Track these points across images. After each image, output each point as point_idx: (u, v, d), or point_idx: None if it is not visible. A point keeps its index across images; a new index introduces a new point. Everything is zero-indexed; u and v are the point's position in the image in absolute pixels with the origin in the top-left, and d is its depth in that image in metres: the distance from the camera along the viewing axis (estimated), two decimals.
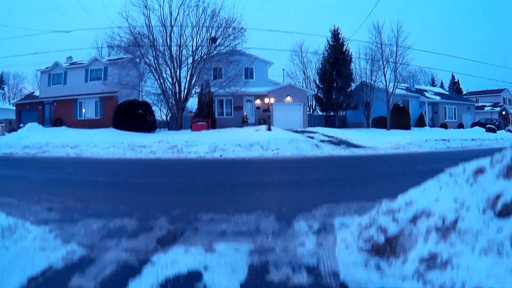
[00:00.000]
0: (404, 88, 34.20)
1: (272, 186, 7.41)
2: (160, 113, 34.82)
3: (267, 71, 28.54)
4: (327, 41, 36.32)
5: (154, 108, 26.27)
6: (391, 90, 29.53)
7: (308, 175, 9.42)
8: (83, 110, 27.27)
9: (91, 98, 26.70)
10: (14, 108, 32.03)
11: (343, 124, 39.31)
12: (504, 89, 51.74)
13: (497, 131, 29.80)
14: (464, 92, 60.31)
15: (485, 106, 47.27)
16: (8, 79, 60.31)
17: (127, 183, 8.10)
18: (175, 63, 22.67)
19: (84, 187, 7.29)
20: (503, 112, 45.37)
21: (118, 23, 22.67)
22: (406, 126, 29.80)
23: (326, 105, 36.43)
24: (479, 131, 29.65)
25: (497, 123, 34.57)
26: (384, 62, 29.90)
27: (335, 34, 36.08)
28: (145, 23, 22.83)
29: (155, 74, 23.29)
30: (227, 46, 24.40)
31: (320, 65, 38.18)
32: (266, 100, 21.13)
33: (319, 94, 38.77)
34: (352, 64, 36.51)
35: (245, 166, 11.29)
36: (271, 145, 13.61)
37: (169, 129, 27.79)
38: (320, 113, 40.11)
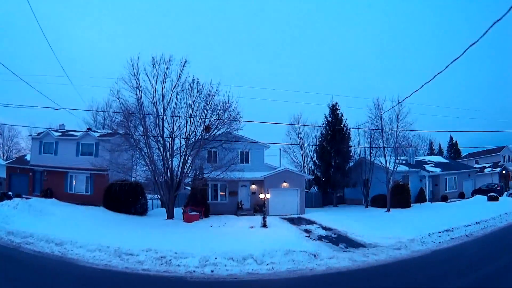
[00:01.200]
0: (404, 162, 34.11)
1: None
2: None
3: (263, 155, 28.59)
4: (325, 117, 37.28)
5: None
6: (391, 169, 29.15)
7: None
8: (74, 182, 26.93)
9: (82, 173, 26.52)
10: (6, 166, 31.40)
11: (341, 200, 38.66)
12: (504, 147, 51.22)
13: (500, 198, 29.14)
14: (464, 154, 60.53)
15: (485, 167, 47.03)
16: (3, 130, 60.29)
17: None
18: (167, 151, 22.37)
19: None
20: (504, 172, 45.13)
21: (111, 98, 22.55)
22: (406, 204, 29.15)
23: (324, 184, 36.10)
24: (481, 201, 29.02)
25: (498, 188, 34.20)
26: (385, 143, 29.76)
27: (333, 110, 37.11)
28: (137, 104, 22.40)
29: (146, 160, 22.63)
30: (222, 132, 24.39)
31: (318, 142, 38.74)
32: (262, 196, 20.39)
33: (316, 172, 38.71)
34: (351, 140, 37.44)
35: None
36: (265, 258, 12.66)
37: (162, 206, 27.00)
38: (317, 189, 39.52)
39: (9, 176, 28.68)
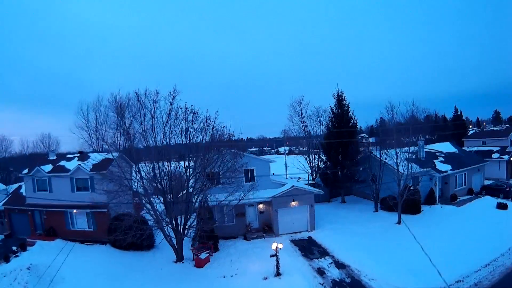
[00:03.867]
0: (414, 157, 32.94)
1: None
2: None
3: (269, 172, 27.28)
4: (331, 108, 35.27)
5: None
6: (402, 172, 28.02)
7: None
8: (75, 220, 26.01)
9: (81, 211, 25.43)
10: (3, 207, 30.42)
11: (349, 191, 38.04)
12: None
13: (509, 205, 28.99)
14: (471, 132, 59.05)
15: (492, 151, 45.87)
16: None
17: None
18: (169, 206, 21.24)
19: None
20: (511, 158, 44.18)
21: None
22: (416, 210, 29.02)
23: (332, 182, 35.24)
24: (489, 207, 29.22)
25: (507, 189, 33.40)
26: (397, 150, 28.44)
27: (339, 100, 34.93)
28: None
29: (151, 212, 21.30)
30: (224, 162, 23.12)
31: (324, 136, 36.98)
32: (274, 247, 19.24)
33: (322, 167, 37.68)
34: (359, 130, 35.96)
35: None
36: None
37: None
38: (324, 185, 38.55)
39: (9, 216, 27.40)
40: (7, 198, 29.11)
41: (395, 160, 28.05)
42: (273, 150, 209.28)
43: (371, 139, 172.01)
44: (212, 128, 21.92)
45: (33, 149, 57.93)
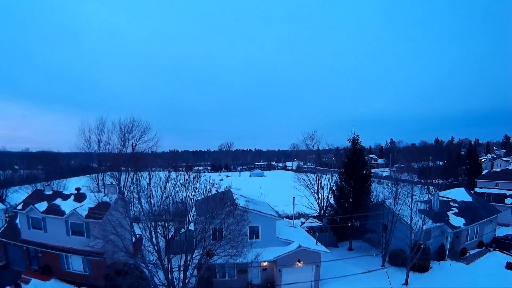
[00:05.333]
0: (428, 207, 31.16)
1: None
2: None
3: (275, 228, 25.49)
4: (345, 152, 34.04)
5: None
6: (415, 229, 26.57)
7: None
8: (70, 262, 24.75)
9: (76, 256, 24.11)
10: None
11: (356, 235, 36.18)
12: None
13: None
14: (484, 172, 56.98)
15: (505, 195, 44.33)
16: None
17: None
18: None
19: None
20: None
21: None
22: (425, 268, 27.81)
23: (341, 233, 33.43)
24: (499, 265, 28.29)
25: None
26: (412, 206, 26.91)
27: (354, 144, 33.58)
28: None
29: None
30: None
31: (337, 181, 35.14)
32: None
33: (331, 211, 35.89)
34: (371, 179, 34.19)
35: None
36: None
37: None
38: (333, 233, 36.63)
39: (5, 247, 26.51)
40: (2, 227, 28.26)
41: (408, 212, 26.88)
42: (281, 165, 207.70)
43: (380, 161, 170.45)
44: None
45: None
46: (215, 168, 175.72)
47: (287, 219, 34.67)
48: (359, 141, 33.51)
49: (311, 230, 36.48)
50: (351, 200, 32.19)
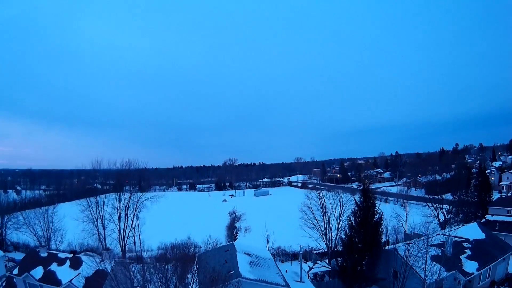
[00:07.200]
0: (440, 252, 29.83)
1: None
2: None
3: None
4: (355, 202, 32.79)
5: None
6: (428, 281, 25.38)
7: None
8: None
9: None
10: None
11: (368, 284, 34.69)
12: None
13: None
14: (495, 198, 55.33)
15: None
16: None
17: None
18: None
19: None
20: None
21: None
22: None
23: (349, 279, 31.95)
24: None
25: None
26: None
27: (365, 192, 32.58)
28: None
29: None
30: None
31: (347, 230, 33.63)
32: None
33: (339, 260, 34.35)
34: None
35: None
36: None
37: None
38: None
39: None
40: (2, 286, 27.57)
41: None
42: (285, 181, 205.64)
43: (386, 174, 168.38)
44: None
45: None
46: (219, 187, 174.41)
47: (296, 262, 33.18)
48: (370, 190, 32.45)
49: (318, 277, 35.01)
50: (360, 248, 30.78)
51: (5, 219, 51.00)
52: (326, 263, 37.39)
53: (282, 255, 45.33)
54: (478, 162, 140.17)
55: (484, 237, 36.55)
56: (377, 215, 31.72)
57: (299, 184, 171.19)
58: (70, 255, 26.39)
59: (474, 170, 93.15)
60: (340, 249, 36.57)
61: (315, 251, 44.54)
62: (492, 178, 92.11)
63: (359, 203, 32.17)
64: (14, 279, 25.99)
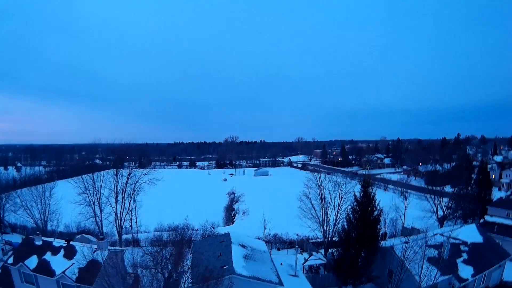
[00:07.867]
0: (437, 254, 29.67)
1: None
2: None
3: None
4: (355, 196, 32.15)
5: None
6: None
7: None
8: None
9: None
10: None
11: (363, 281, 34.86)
12: None
13: None
14: (496, 199, 54.80)
15: None
16: None
17: None
18: None
19: None
20: None
21: None
22: None
23: (344, 274, 31.97)
24: None
25: None
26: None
27: (365, 187, 31.80)
28: None
29: None
30: None
31: (345, 225, 33.28)
32: None
33: (335, 254, 34.22)
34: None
35: None
36: None
37: None
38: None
39: None
40: None
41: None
42: (285, 161, 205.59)
43: (386, 160, 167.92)
44: None
45: None
46: (220, 165, 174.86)
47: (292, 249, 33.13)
48: (370, 183, 31.69)
49: (313, 270, 35.04)
50: (357, 245, 30.57)
51: (3, 200, 50.86)
52: (322, 255, 37.31)
53: (279, 243, 45.42)
54: (479, 155, 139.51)
55: (482, 241, 36.10)
56: (376, 211, 31.18)
57: (300, 165, 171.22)
58: (64, 244, 26.17)
59: (475, 163, 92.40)
60: (337, 239, 36.49)
61: (311, 241, 44.58)
62: (493, 176, 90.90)
63: (358, 198, 31.60)
64: (10, 268, 26.02)
